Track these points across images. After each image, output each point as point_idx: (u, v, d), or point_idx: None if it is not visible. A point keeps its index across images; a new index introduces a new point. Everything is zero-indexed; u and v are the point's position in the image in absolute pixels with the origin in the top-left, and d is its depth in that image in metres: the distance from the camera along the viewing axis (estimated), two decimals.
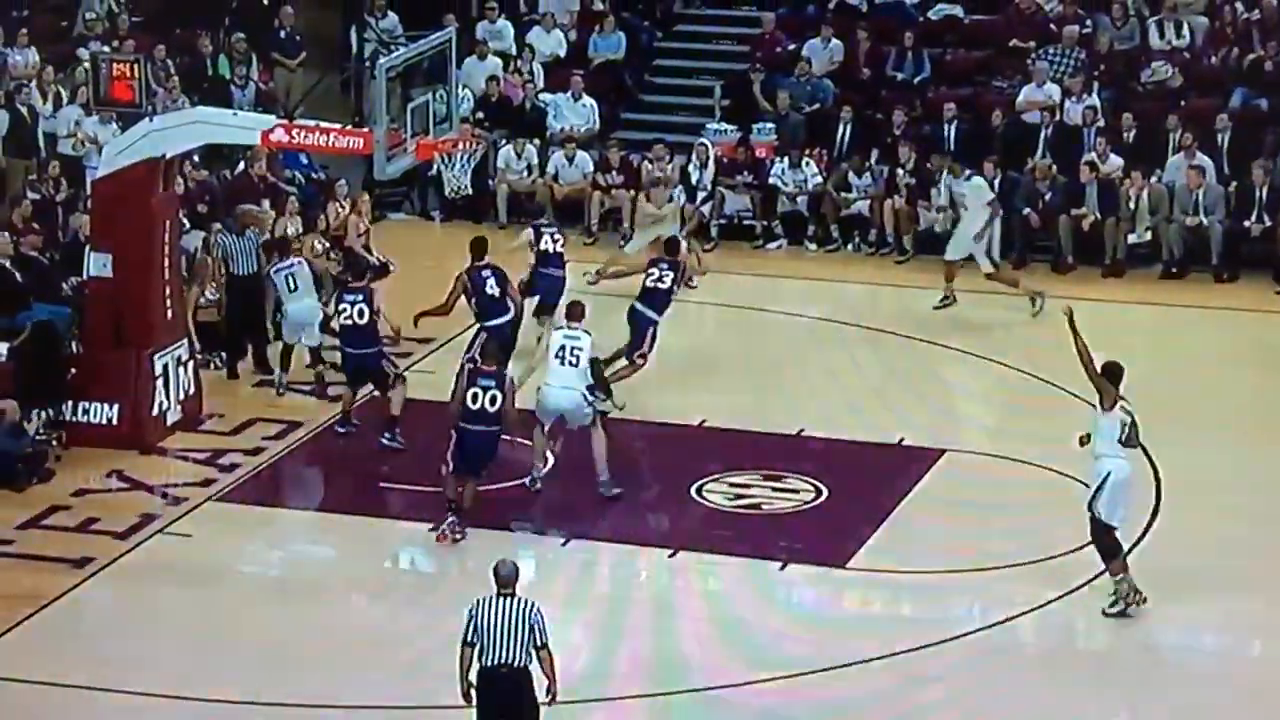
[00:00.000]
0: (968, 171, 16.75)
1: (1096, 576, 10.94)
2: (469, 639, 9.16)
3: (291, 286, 14.53)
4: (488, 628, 9.10)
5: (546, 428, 12.72)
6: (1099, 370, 10.97)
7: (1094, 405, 11.06)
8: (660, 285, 14.37)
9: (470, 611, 9.19)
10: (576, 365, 12.57)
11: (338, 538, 12.59)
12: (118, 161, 13.67)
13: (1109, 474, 10.89)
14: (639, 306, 14.39)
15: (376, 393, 13.81)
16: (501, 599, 9.17)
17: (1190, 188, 17.38)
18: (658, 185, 17.25)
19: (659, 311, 14.34)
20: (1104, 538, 11.02)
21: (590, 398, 12.65)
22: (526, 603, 9.18)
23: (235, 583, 12.05)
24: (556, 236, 15.47)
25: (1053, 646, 11.06)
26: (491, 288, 13.89)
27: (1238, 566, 11.97)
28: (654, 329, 14.32)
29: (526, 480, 12.67)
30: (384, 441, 13.51)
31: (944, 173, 17.32)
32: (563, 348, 12.64)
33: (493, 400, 12.12)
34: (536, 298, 15.06)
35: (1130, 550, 11.58)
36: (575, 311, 13.02)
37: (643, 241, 16.68)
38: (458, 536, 12.21)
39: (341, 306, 13.71)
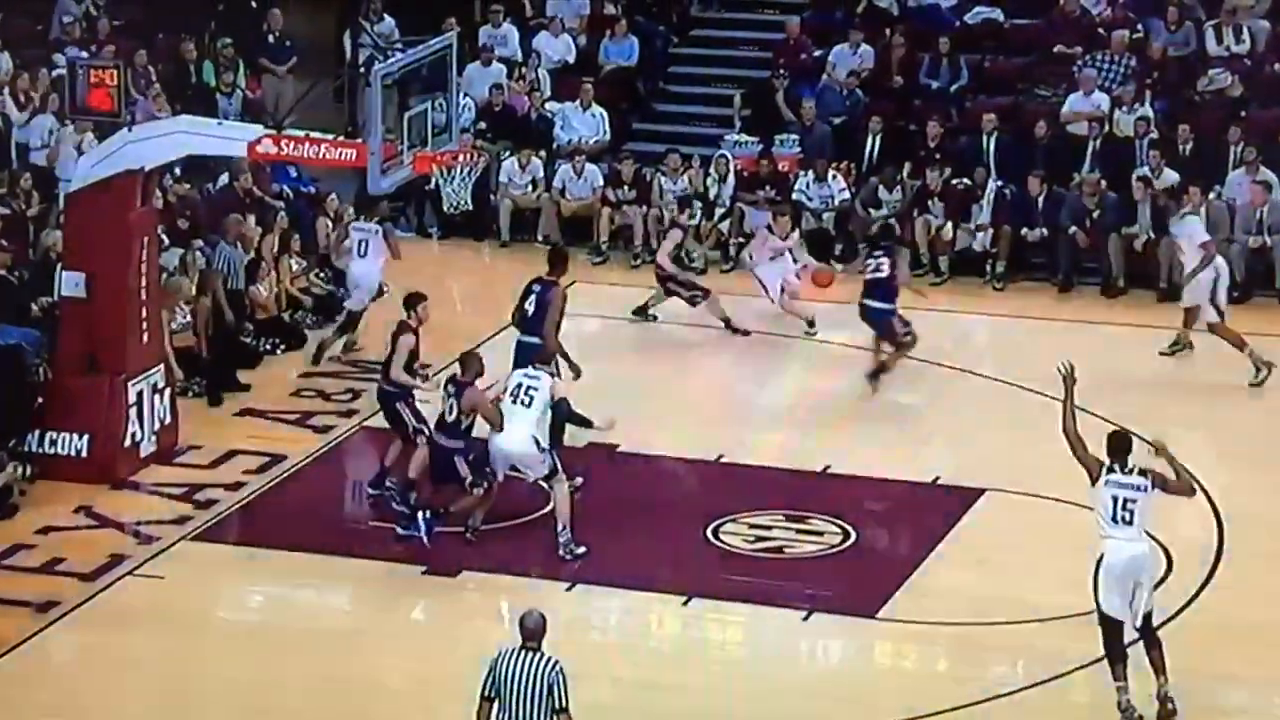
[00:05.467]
0: (1183, 210, 16.00)
1: (1158, 628, 10.62)
2: (487, 693, 8.93)
3: (361, 251, 15.66)
4: (507, 683, 8.86)
5: (500, 475, 12.45)
6: (1104, 441, 10.37)
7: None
8: (880, 274, 14.89)
9: (491, 663, 8.97)
10: (529, 406, 12.37)
11: (323, 580, 12.41)
12: (93, 174, 13.62)
13: (1101, 556, 10.44)
14: (868, 303, 14.89)
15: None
16: (525, 653, 8.92)
17: (1253, 205, 17.24)
18: (782, 215, 16.89)
19: (889, 300, 14.82)
20: (1103, 630, 10.44)
21: (545, 445, 12.43)
22: (548, 661, 8.91)
23: (210, 629, 11.90)
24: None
25: (1104, 707, 10.73)
26: (530, 304, 13.62)
27: None
28: (893, 318, 14.80)
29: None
30: (394, 503, 12.85)
31: (1152, 206, 16.73)
32: (519, 386, 12.47)
33: (450, 410, 12.31)
34: None
35: (1190, 603, 11.33)
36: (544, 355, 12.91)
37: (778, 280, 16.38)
38: (419, 532, 12.19)
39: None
